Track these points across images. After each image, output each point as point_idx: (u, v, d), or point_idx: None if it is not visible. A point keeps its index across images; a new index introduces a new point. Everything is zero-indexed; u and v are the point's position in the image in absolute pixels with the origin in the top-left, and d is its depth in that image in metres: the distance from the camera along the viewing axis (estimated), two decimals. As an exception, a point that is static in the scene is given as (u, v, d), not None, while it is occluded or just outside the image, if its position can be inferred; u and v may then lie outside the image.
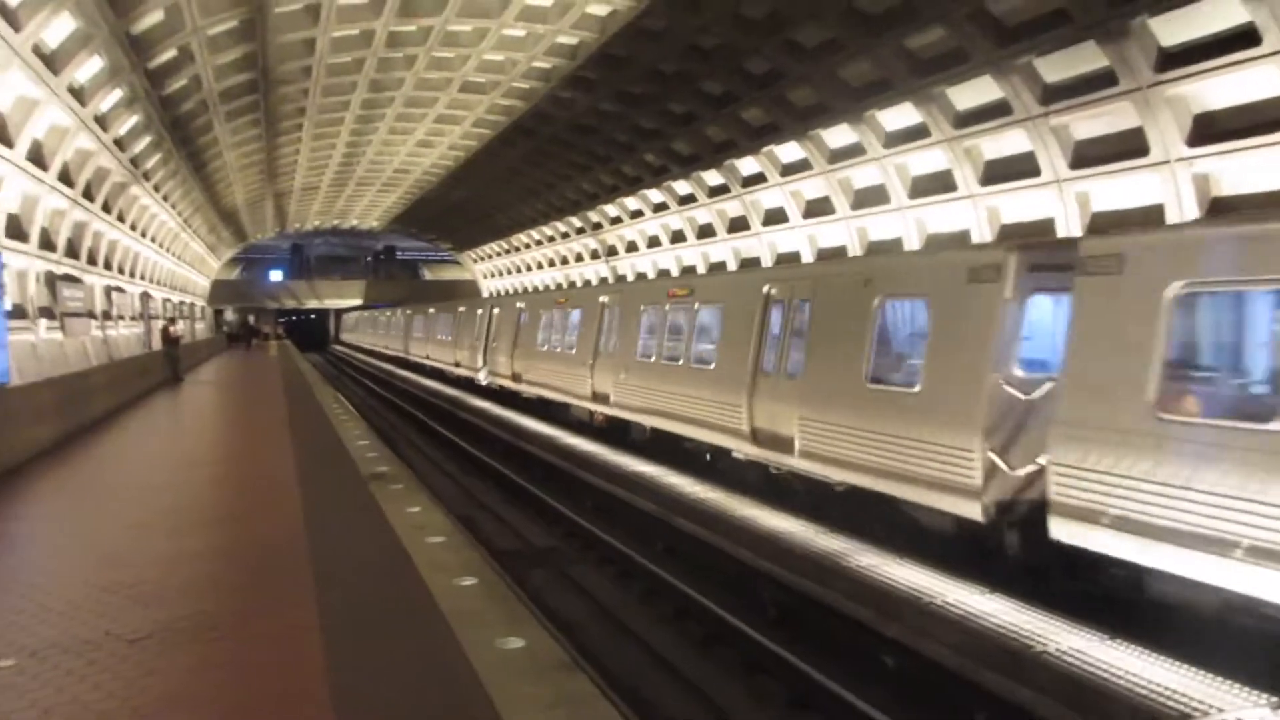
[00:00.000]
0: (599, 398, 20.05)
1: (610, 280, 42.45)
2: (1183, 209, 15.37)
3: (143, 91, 21.00)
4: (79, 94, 18.37)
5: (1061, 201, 17.98)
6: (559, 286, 49.75)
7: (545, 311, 25.42)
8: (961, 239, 20.69)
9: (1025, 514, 9.22)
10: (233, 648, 5.96)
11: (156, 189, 30.28)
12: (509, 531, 15.13)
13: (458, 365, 35.85)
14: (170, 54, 20.08)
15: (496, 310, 30.87)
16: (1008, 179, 19.24)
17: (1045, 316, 9.93)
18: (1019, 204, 19.46)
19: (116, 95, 20.20)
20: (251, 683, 5.41)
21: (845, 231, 25.30)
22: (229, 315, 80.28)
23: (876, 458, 10.83)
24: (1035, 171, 18.26)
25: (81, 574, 7.69)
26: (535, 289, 54.47)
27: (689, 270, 35.22)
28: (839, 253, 25.29)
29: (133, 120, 22.61)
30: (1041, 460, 8.64)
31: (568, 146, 34.60)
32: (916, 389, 10.46)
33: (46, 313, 21.44)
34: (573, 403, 22.12)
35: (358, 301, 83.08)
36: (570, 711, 4.70)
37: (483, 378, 31.51)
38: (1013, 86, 17.42)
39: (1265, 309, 8.25)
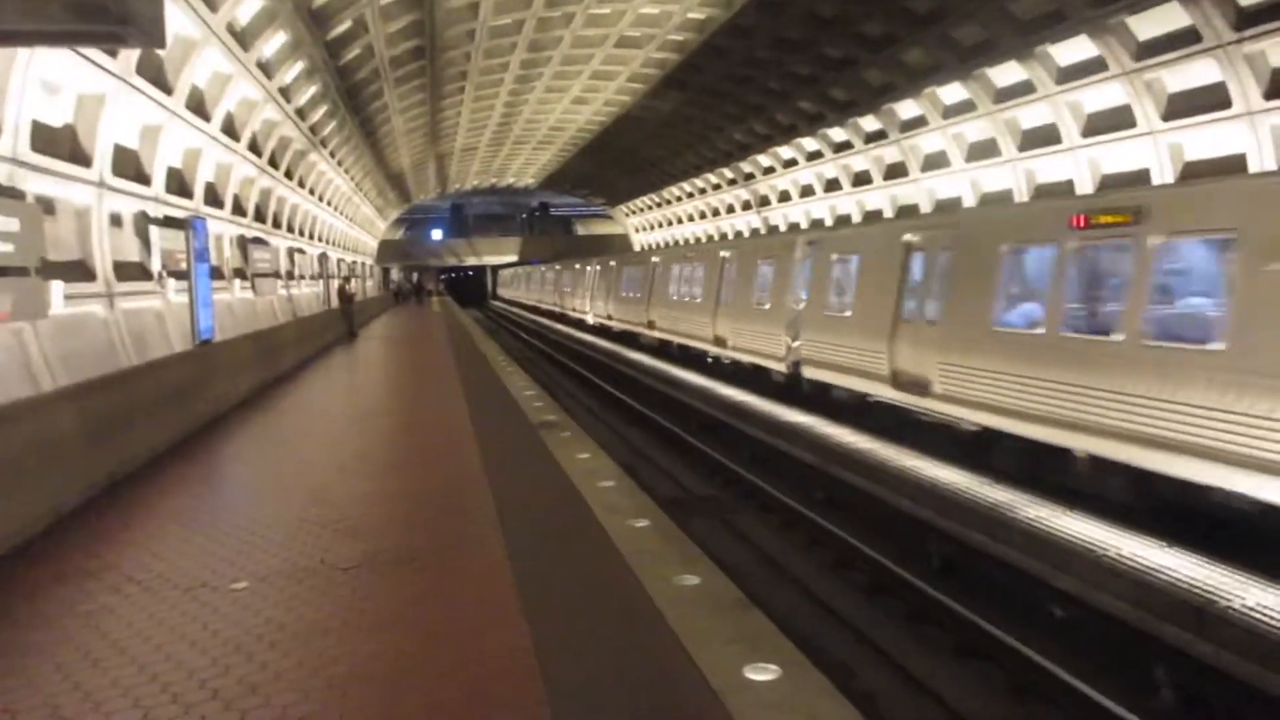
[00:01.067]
0: (652, 326, 29.07)
1: (763, 231, 42.34)
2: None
3: (321, 63, 22.22)
4: (266, 68, 19.61)
5: (1254, 135, 16.73)
6: (709, 239, 49.79)
7: (626, 268, 34.58)
8: (1140, 179, 19.55)
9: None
10: (433, 577, 6.50)
11: (332, 155, 32.02)
12: (669, 480, 15.54)
13: (574, 310, 46.45)
14: (346, 25, 21.16)
15: (597, 267, 40.50)
16: (1194, 113, 18.03)
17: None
18: (1206, 140, 18.21)
19: (298, 67, 21.46)
20: (452, 608, 5.91)
21: (1011, 174, 24.30)
22: (394, 274, 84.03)
23: (755, 345, 19.90)
24: (1225, 104, 17.04)
25: (293, 510, 8.47)
26: (685, 241, 54.70)
27: (844, 219, 34.63)
28: (1005, 196, 24.35)
29: (312, 90, 23.96)
30: (801, 338, 17.49)
31: (721, 97, 34.43)
32: (767, 307, 19.50)
33: (239, 273, 23.15)
34: (640, 331, 30.91)
35: (514, 258, 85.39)
36: (750, 646, 4.93)
37: (590, 319, 41.61)
38: (1202, 12, 16.26)
39: (851, 266, 16.26)
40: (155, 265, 16.39)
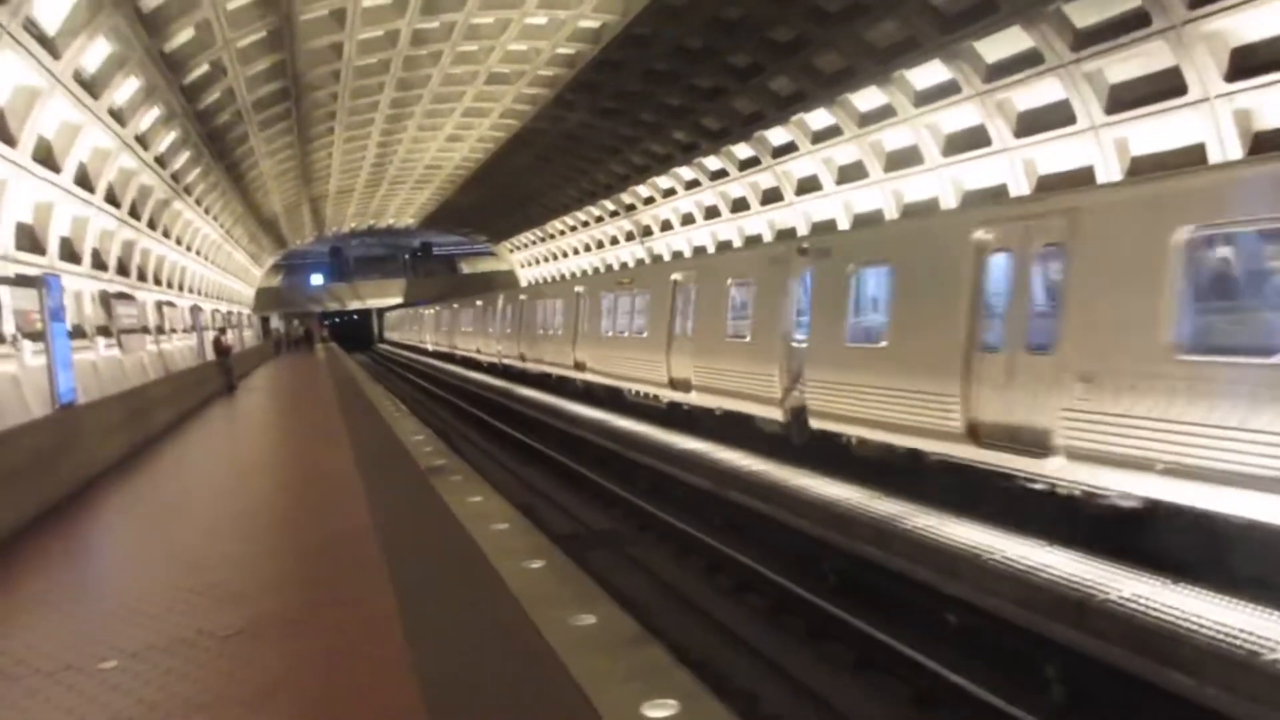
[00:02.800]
0: (524, 357, 32.45)
1: (646, 261, 42.73)
2: (1225, 147, 15.11)
3: (179, 108, 21.45)
4: (119, 115, 18.80)
5: (1099, 148, 17.73)
6: (596, 271, 49.95)
7: (482, 307, 39.57)
8: (999, 194, 20.48)
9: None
10: (318, 638, 6.21)
11: (198, 203, 30.90)
12: (568, 517, 15.36)
13: (425, 342, 58.34)
14: (203, 69, 20.49)
15: (442, 307, 50.68)
16: (1043, 129, 19.01)
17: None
18: (1056, 154, 19.21)
19: (154, 114, 20.65)
20: (340, 669, 5.65)
21: (880, 195, 25.14)
22: (275, 322, 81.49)
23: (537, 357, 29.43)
24: (1070, 120, 18.02)
25: (167, 578, 8.01)
26: (571, 275, 54.73)
27: (725, 245, 35.23)
28: (875, 217, 25.16)
29: (171, 136, 23.09)
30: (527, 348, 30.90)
31: (596, 130, 34.66)
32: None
33: (103, 331, 22.03)
34: (504, 362, 35.70)
35: (399, 300, 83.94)
36: (647, 682, 4.85)
37: (430, 347, 54.35)
38: (1043, 34, 17.19)
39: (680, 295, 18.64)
40: (7, 327, 15.46)
